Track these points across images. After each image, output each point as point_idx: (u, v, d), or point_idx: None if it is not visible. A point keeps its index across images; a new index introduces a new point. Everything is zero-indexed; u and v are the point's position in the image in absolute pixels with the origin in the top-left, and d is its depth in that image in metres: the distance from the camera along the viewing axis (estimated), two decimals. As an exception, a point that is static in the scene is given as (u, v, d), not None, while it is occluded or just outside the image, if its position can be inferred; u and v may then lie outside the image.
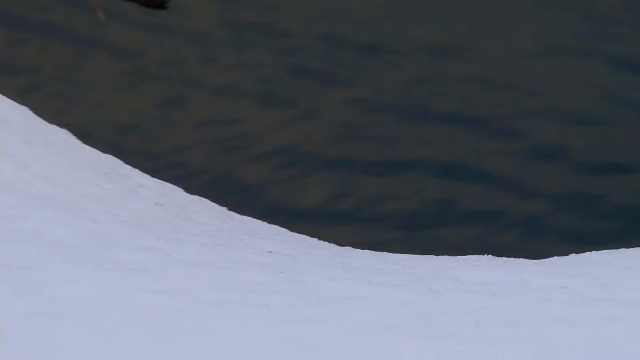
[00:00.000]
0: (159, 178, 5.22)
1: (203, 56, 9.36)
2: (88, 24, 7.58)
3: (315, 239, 4.86)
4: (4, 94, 5.25)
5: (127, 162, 5.21)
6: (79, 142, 5.10)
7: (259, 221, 5.03)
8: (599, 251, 4.54)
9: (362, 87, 9.56)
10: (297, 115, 9.20)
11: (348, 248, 4.66)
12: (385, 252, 4.58)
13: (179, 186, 5.14)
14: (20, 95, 5.16)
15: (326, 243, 4.81)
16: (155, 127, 7.16)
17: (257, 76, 9.16)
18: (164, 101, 7.95)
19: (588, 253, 4.55)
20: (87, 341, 3.50)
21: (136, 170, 5.17)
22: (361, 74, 9.11)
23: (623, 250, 4.54)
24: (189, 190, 5.15)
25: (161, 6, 7.55)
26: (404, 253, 4.54)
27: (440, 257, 4.41)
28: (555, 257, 4.50)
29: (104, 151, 5.23)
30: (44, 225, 4.13)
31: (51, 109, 5.22)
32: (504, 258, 4.37)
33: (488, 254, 4.50)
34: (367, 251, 4.65)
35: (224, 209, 5.13)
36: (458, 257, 4.51)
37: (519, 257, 4.40)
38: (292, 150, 8.03)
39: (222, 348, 3.46)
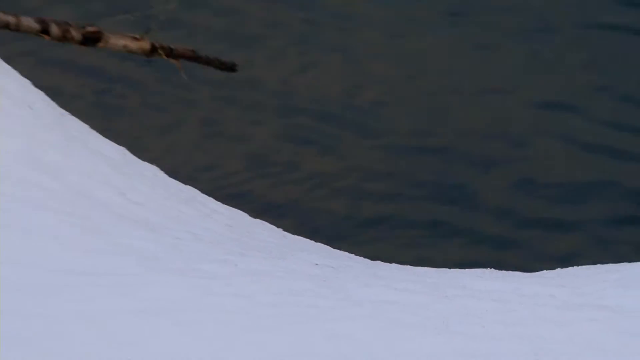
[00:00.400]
0: (228, 205, 5.26)
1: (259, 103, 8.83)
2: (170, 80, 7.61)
3: (353, 255, 4.90)
4: (105, 135, 5.26)
5: (203, 192, 5.26)
6: (165, 176, 5.14)
7: (308, 240, 5.07)
8: (579, 266, 4.55)
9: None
10: (328, 152, 8.77)
11: (378, 262, 4.70)
12: (408, 266, 4.62)
13: (244, 212, 5.18)
14: (118, 138, 5.19)
15: (361, 258, 4.84)
16: (227, 166, 7.14)
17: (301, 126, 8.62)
18: (232, 147, 7.97)
19: (571, 268, 4.57)
20: (170, 334, 3.55)
21: (210, 198, 5.20)
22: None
23: (599, 265, 4.57)
24: (252, 215, 5.19)
25: (232, 69, 7.56)
26: (424, 267, 4.60)
27: (452, 270, 4.44)
28: (544, 270, 4.48)
29: (185, 183, 5.24)
30: (137, 241, 4.16)
31: (143, 149, 5.23)
32: (503, 271, 4.39)
33: (490, 268, 4.48)
34: (393, 265, 4.67)
35: (280, 229, 5.16)
36: (466, 270, 4.49)
37: (515, 270, 4.42)
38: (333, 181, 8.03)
39: (279, 340, 3.48)
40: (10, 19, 6.66)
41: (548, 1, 10.34)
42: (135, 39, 7.11)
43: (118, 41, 7.02)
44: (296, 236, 5.11)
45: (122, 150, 5.11)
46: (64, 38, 6.94)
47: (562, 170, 8.16)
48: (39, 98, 5.10)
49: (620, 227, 7.73)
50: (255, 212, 5.22)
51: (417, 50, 9.06)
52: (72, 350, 3.37)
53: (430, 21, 9.30)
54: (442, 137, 8.54)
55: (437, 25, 9.18)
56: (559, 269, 4.42)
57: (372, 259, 4.72)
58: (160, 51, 7.06)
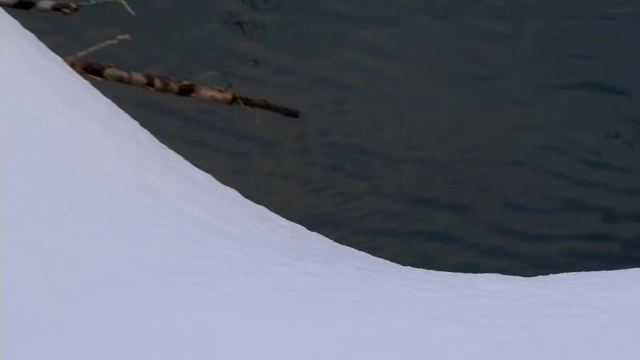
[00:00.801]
0: (290, 220, 5.26)
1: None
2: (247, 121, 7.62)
3: (388, 261, 4.91)
4: (195, 165, 5.29)
5: (271, 210, 5.27)
6: (242, 197, 5.15)
7: (353, 249, 5.07)
8: (568, 273, 4.57)
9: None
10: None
11: (409, 267, 4.74)
12: (432, 270, 4.68)
13: (303, 226, 5.22)
14: (203, 166, 5.22)
15: (395, 263, 4.84)
16: (288, 192, 7.09)
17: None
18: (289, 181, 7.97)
19: (561, 274, 4.52)
20: (244, 321, 3.62)
21: (276, 215, 5.20)
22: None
23: (584, 272, 4.57)
24: (309, 228, 5.20)
25: (295, 115, 7.60)
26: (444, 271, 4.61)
27: (466, 274, 4.49)
28: (540, 276, 4.48)
29: (258, 203, 5.24)
30: (220, 248, 4.17)
31: (225, 175, 5.25)
32: (506, 275, 4.42)
33: (496, 273, 4.51)
34: (421, 269, 4.71)
35: (331, 240, 5.17)
36: (477, 274, 4.51)
37: (515, 275, 4.41)
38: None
39: (330, 328, 3.52)
40: (124, 74, 6.79)
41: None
42: (220, 90, 7.21)
43: (207, 92, 7.14)
44: (344, 246, 5.12)
45: (209, 177, 5.13)
46: (165, 89, 7.05)
47: (548, 191, 8.07)
48: (145, 135, 5.12)
49: (593, 241, 7.66)
50: (311, 226, 5.23)
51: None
52: (172, 332, 3.48)
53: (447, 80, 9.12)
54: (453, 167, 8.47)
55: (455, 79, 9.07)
56: (551, 275, 4.42)
57: (404, 264, 4.75)
58: (239, 100, 7.14)
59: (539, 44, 9.22)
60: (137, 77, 6.86)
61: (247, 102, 7.24)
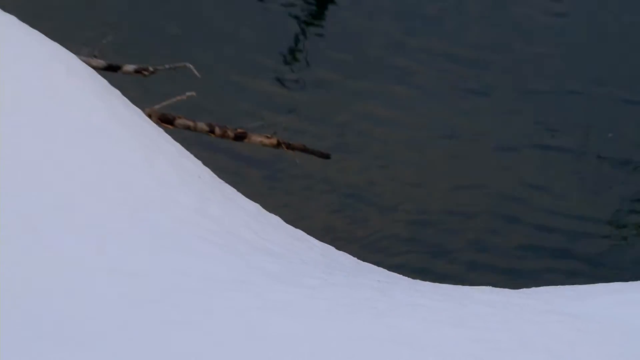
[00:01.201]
0: (323, 241, 5.21)
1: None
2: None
3: (401, 275, 4.87)
4: (240, 191, 5.29)
5: (308, 234, 5.23)
6: (284, 223, 5.11)
7: (374, 266, 5.03)
8: (548, 286, 4.56)
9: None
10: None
11: (418, 280, 4.70)
12: (436, 283, 4.64)
13: (332, 246, 5.20)
14: (252, 197, 5.28)
15: (407, 278, 4.81)
16: (322, 218, 7.04)
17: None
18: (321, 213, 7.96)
19: (542, 287, 4.52)
20: (284, 322, 3.59)
21: (311, 237, 5.16)
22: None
23: (560, 286, 4.54)
24: (338, 248, 5.17)
25: (327, 157, 7.59)
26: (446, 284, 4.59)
27: (464, 286, 4.45)
28: (524, 289, 4.44)
29: (296, 227, 5.21)
30: (265, 263, 4.14)
31: (270, 205, 5.22)
32: (496, 288, 4.38)
33: (489, 286, 4.44)
34: (428, 282, 4.65)
35: (355, 258, 5.15)
36: (473, 286, 4.47)
37: (505, 288, 4.39)
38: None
39: (353, 327, 3.51)
40: (190, 123, 6.85)
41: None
42: (267, 137, 7.20)
43: (257, 138, 7.15)
44: (366, 262, 5.07)
45: (257, 206, 5.12)
46: (223, 136, 7.07)
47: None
48: (206, 171, 5.11)
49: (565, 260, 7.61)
50: (339, 246, 5.20)
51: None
52: (227, 330, 3.48)
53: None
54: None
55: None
56: (534, 288, 4.40)
57: (414, 278, 4.74)
58: (282, 145, 7.14)
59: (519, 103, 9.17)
60: (201, 125, 6.90)
61: (289, 146, 7.25)
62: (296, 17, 10.10)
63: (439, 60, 9.29)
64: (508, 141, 8.78)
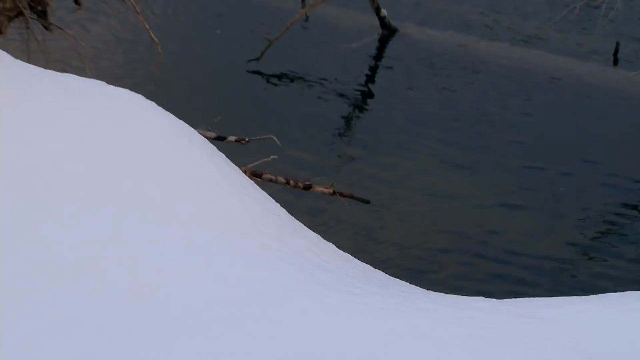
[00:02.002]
0: (363, 262, 5.13)
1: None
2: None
3: (418, 287, 4.77)
4: (306, 225, 5.22)
5: (353, 257, 5.11)
6: (336, 248, 5.04)
7: (399, 279, 4.94)
8: (521, 298, 4.47)
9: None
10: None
11: (430, 291, 4.58)
12: (443, 294, 4.51)
13: (369, 265, 5.10)
14: (315, 230, 5.24)
15: (422, 288, 4.72)
16: (362, 245, 6.93)
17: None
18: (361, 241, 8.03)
19: (518, 298, 4.41)
20: (336, 321, 3.50)
21: (355, 258, 5.07)
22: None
23: (532, 298, 4.44)
24: (374, 267, 5.09)
25: (367, 202, 7.59)
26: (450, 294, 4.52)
27: (463, 296, 4.36)
28: (506, 299, 4.34)
29: (344, 251, 5.15)
30: (322, 277, 4.13)
31: (325, 235, 5.22)
32: (487, 298, 4.28)
33: (480, 297, 4.31)
34: (437, 292, 4.54)
35: (385, 274, 5.02)
36: (470, 297, 4.34)
37: (492, 298, 4.31)
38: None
39: (383, 324, 3.45)
40: (273, 177, 6.89)
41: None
42: (327, 187, 7.18)
43: (318, 188, 7.13)
44: (393, 277, 4.97)
45: (317, 236, 5.09)
46: (296, 186, 7.07)
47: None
48: (283, 211, 5.08)
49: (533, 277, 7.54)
50: (374, 266, 5.10)
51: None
52: (291, 325, 3.42)
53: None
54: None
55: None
56: (513, 298, 4.31)
57: (427, 289, 4.64)
58: (337, 193, 7.13)
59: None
60: (280, 179, 6.94)
61: (341, 194, 7.27)
62: (345, 109, 10.17)
63: (434, 143, 9.28)
64: (483, 198, 8.68)
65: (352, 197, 7.38)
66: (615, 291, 4.42)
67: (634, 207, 8.36)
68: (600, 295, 4.33)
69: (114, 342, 3.15)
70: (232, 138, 6.96)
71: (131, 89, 5.06)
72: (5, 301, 3.28)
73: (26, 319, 3.30)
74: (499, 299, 4.28)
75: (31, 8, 7.56)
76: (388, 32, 11.09)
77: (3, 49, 4.95)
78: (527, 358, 3.26)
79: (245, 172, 5.88)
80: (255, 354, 3.15)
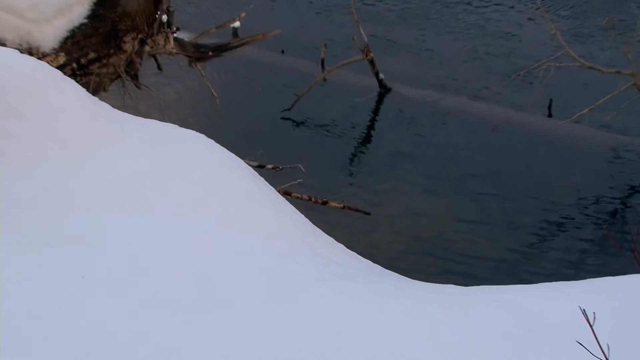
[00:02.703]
0: (366, 258, 5.00)
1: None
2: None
3: (406, 277, 4.63)
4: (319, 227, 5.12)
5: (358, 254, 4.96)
6: (345, 247, 4.97)
7: (393, 272, 4.84)
8: (485, 285, 4.27)
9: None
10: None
11: (415, 280, 4.46)
12: (426, 282, 4.39)
13: (370, 260, 4.97)
14: (330, 234, 5.15)
15: (409, 278, 4.57)
16: (366, 245, 6.82)
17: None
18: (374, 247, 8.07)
19: (482, 285, 4.19)
20: (347, 303, 3.40)
21: (360, 256, 4.97)
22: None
23: (491, 286, 4.29)
24: (374, 261, 4.99)
25: (368, 213, 7.51)
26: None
27: (438, 284, 4.27)
28: (472, 286, 4.13)
29: (351, 250, 5.04)
30: (335, 269, 4.05)
31: (337, 238, 5.13)
32: (457, 286, 4.17)
33: (452, 284, 4.23)
34: (420, 281, 4.42)
35: (382, 268, 4.87)
36: (443, 284, 4.26)
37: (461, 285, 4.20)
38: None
39: (381, 305, 3.38)
40: (299, 195, 6.94)
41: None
42: (339, 203, 7.20)
43: (333, 203, 7.13)
44: (389, 270, 4.87)
45: (332, 239, 5.07)
46: (316, 202, 7.08)
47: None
48: (306, 220, 5.11)
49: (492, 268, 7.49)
50: (374, 261, 5.01)
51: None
52: (312, 309, 3.33)
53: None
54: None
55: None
56: (477, 286, 4.15)
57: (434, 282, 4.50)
58: (346, 207, 7.09)
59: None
60: (305, 196, 6.91)
61: (349, 207, 7.23)
62: (351, 147, 10.17)
63: (413, 174, 9.23)
64: (449, 214, 8.67)
65: (357, 210, 7.33)
66: (547, 281, 4.35)
67: (556, 223, 8.27)
68: (537, 284, 4.26)
69: (183, 311, 3.12)
70: (269, 166, 6.94)
71: (196, 130, 5.08)
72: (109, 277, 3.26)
73: (135, 287, 3.27)
74: (466, 286, 4.21)
75: (126, 72, 7.65)
76: (384, 90, 11.15)
77: (105, 102, 4.99)
78: (488, 329, 3.20)
79: (279, 191, 5.85)
80: (285, 323, 3.11)
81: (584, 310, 2.73)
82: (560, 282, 4.19)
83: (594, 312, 2.78)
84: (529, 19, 13.06)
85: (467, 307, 3.49)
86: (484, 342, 3.02)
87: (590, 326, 2.70)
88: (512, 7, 13.60)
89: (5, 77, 3.96)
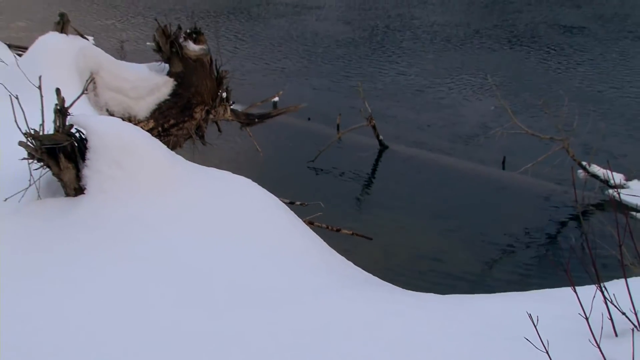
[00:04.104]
0: (368, 272, 4.80)
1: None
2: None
3: (397, 287, 4.47)
4: (334, 248, 4.90)
5: (361, 268, 4.77)
6: (352, 264, 4.75)
7: (387, 282, 4.67)
8: (457, 294, 4.08)
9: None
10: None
11: (405, 289, 4.32)
12: (412, 291, 4.24)
13: (370, 274, 4.77)
14: (340, 253, 4.97)
15: (400, 287, 4.41)
16: (367, 262, 6.64)
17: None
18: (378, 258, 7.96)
19: (455, 294, 4.00)
20: (349, 306, 3.31)
21: (363, 270, 4.76)
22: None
23: (461, 295, 4.06)
24: (372, 273, 4.79)
25: (370, 238, 7.18)
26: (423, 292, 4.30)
27: (423, 293, 4.16)
28: (447, 295, 4.01)
29: (357, 266, 4.85)
30: (344, 281, 3.99)
31: (347, 256, 4.92)
32: (436, 294, 4.05)
33: (432, 293, 4.11)
34: (408, 290, 4.27)
35: (379, 279, 4.71)
36: (425, 293, 4.14)
37: (438, 294, 4.07)
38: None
39: (375, 308, 3.30)
40: (319, 224, 6.59)
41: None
42: (348, 230, 7.01)
43: (344, 231, 6.95)
44: (384, 281, 4.73)
45: (343, 257, 4.86)
46: (332, 229, 6.89)
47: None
48: (324, 242, 4.88)
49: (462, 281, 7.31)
50: (374, 273, 4.80)
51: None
52: (323, 311, 3.27)
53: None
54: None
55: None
56: (451, 294, 4.02)
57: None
58: (355, 234, 7.01)
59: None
60: (324, 225, 6.82)
61: (356, 234, 7.16)
62: (358, 191, 10.10)
63: (406, 212, 8.93)
64: (435, 240, 8.41)
65: (361, 235, 7.24)
66: (503, 292, 4.25)
67: (509, 247, 8.04)
68: (496, 293, 4.18)
69: (216, 302, 3.12)
70: (298, 202, 6.94)
71: (245, 176, 5.02)
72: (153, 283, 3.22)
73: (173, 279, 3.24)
74: (443, 294, 4.11)
75: (196, 133, 7.81)
76: (383, 148, 11.23)
77: (180, 155, 5.03)
78: (459, 327, 3.15)
79: (304, 221, 5.81)
80: (301, 315, 3.11)
81: (529, 314, 2.73)
82: (513, 292, 4.12)
83: (537, 316, 2.76)
84: (478, 99, 13.39)
85: (444, 310, 3.45)
86: (456, 337, 3.00)
87: (534, 326, 2.69)
88: (465, 88, 13.90)
89: (112, 137, 4.07)
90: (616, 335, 2.57)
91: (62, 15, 6.06)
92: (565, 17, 19.02)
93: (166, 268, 3.44)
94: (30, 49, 5.70)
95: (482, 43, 17.29)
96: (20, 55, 7.16)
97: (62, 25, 6.10)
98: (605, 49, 16.15)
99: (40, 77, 3.47)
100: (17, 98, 3.42)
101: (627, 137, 10.93)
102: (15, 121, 3.48)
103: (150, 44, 6.89)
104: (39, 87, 3.42)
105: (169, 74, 7.01)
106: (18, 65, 5.19)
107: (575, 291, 2.77)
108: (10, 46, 7.58)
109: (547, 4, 21.44)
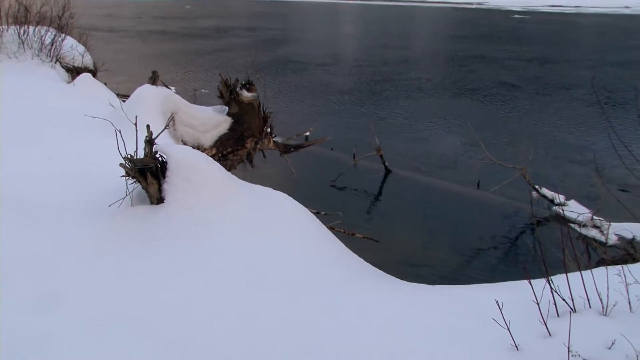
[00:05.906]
0: (374, 266, 4.60)
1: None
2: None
3: (396, 277, 4.32)
4: (353, 250, 4.71)
5: (372, 265, 4.61)
6: (363, 261, 4.53)
7: (389, 274, 4.55)
8: (442, 285, 3.98)
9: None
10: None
11: (402, 280, 4.24)
12: (409, 282, 4.11)
13: (376, 267, 4.60)
14: (356, 252, 4.82)
15: (397, 279, 4.24)
16: (373, 259, 6.29)
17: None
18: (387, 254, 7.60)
19: (439, 285, 3.94)
20: (360, 294, 3.28)
21: (371, 265, 4.62)
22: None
23: (445, 285, 3.94)
24: (380, 268, 4.62)
25: (376, 240, 6.99)
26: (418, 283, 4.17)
27: (416, 283, 4.07)
28: (435, 285, 3.91)
29: (367, 262, 4.69)
30: (357, 273, 3.91)
31: (359, 255, 4.78)
32: (426, 284, 3.94)
33: (423, 283, 4.04)
34: (405, 281, 4.17)
35: (383, 272, 4.52)
36: (416, 283, 4.04)
37: (427, 284, 3.98)
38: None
39: (380, 295, 3.26)
40: (339, 229, 6.34)
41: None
42: (362, 235, 6.70)
43: (358, 235, 6.67)
44: (386, 273, 4.56)
45: (357, 256, 4.69)
46: (348, 234, 6.71)
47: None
48: (342, 244, 4.74)
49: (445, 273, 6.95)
50: (379, 267, 4.62)
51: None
52: (337, 300, 3.23)
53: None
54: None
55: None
56: (439, 285, 3.96)
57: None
58: (365, 237, 6.90)
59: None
60: (342, 230, 6.71)
61: (367, 237, 7.06)
62: (366, 207, 9.88)
63: (407, 228, 8.64)
64: (428, 241, 8.11)
65: (370, 238, 7.18)
66: (477, 283, 4.15)
67: (482, 250, 7.74)
68: (471, 284, 4.11)
69: (286, 293, 3.16)
70: (322, 212, 6.93)
71: (283, 192, 5.02)
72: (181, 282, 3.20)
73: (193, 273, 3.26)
74: (432, 285, 4.05)
75: (247, 159, 7.96)
76: (388, 172, 10.95)
77: (234, 175, 5.07)
78: (443, 310, 3.13)
79: (327, 227, 5.63)
80: (324, 305, 3.09)
81: (496, 300, 2.74)
82: (484, 283, 4.06)
83: (502, 302, 2.75)
84: (453, 135, 13.12)
85: (434, 298, 3.44)
86: (440, 316, 3.04)
87: (500, 309, 2.69)
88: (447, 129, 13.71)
89: (184, 160, 4.20)
90: (558, 315, 2.65)
91: (153, 72, 6.64)
92: (503, 76, 19.59)
93: (228, 260, 3.51)
94: (131, 96, 6.20)
95: (447, 93, 17.67)
96: (124, 101, 7.17)
97: (154, 79, 6.57)
98: (532, 101, 16.54)
99: (136, 117, 3.75)
100: (119, 132, 3.66)
101: (569, 165, 10.88)
102: (118, 149, 3.72)
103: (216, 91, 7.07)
104: (135, 124, 3.56)
105: (228, 114, 7.29)
106: (122, 109, 5.69)
107: (530, 283, 2.86)
108: (117, 95, 8.38)
109: (490, 66, 22.40)
